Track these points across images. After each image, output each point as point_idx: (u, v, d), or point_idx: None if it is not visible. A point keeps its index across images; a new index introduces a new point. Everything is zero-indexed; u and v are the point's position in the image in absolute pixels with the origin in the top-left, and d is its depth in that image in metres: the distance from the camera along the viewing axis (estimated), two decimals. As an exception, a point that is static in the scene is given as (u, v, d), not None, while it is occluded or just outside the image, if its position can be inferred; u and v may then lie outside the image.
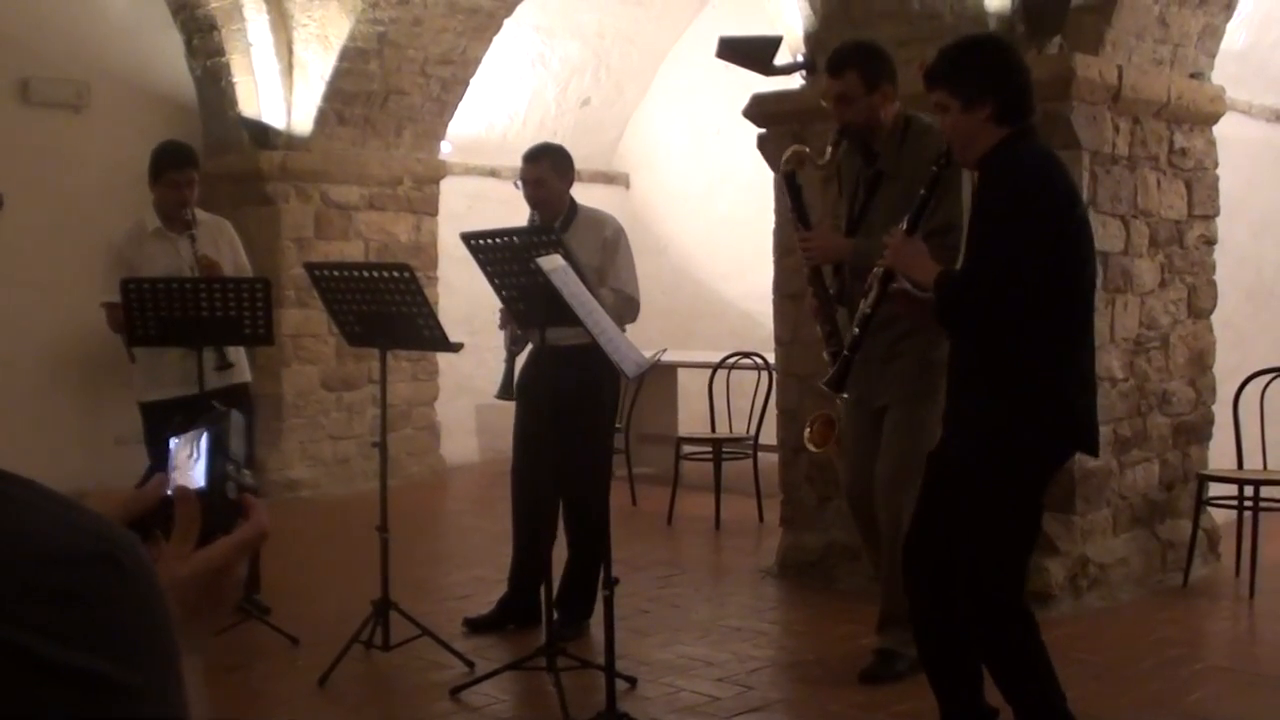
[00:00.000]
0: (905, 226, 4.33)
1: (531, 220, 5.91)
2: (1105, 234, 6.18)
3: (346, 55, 9.65)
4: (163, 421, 6.27)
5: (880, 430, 5.22)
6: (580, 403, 5.64)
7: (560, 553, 5.94)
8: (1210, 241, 7.05)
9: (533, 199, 5.91)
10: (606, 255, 5.84)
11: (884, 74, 5.13)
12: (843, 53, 5.23)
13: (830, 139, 5.18)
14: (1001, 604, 4.09)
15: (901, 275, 4.33)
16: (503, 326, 6.02)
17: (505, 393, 6.07)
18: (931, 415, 5.00)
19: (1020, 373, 4.00)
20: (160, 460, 6.01)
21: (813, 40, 6.80)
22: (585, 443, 5.73)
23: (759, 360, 8.76)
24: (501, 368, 6.16)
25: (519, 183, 5.97)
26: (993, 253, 3.97)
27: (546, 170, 5.91)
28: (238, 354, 6.29)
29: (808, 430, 5.47)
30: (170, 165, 6.25)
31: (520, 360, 6.14)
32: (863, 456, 5.29)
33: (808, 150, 5.21)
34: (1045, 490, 4.24)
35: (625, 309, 5.76)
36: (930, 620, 4.25)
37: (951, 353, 4.26)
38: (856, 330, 4.69)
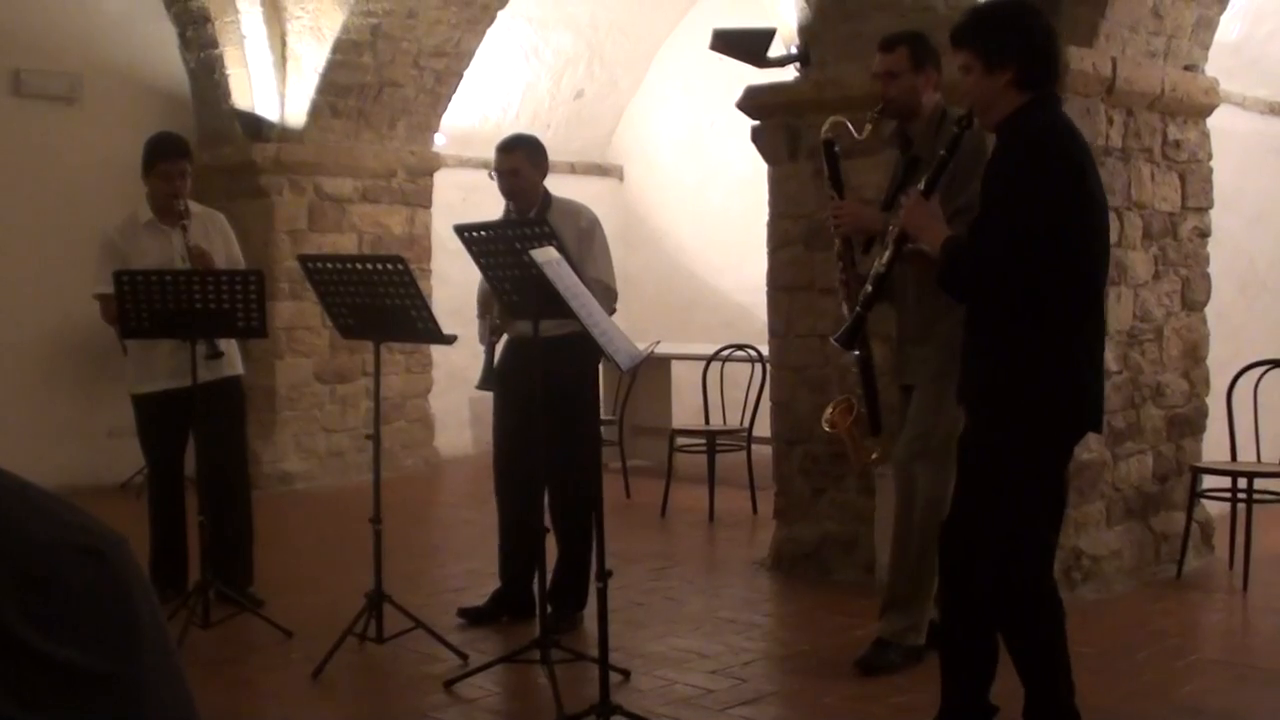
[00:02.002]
0: (922, 187, 4.33)
1: (507, 211, 5.91)
2: (1099, 226, 6.17)
3: (340, 47, 9.63)
4: (154, 414, 6.28)
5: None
6: (560, 393, 5.63)
7: (551, 544, 5.94)
8: (1204, 234, 7.05)
9: (508, 189, 5.91)
10: (583, 245, 5.83)
11: (930, 58, 5.25)
12: (896, 33, 5.39)
13: (869, 116, 5.21)
14: (1027, 582, 4.09)
15: (913, 238, 4.33)
16: (481, 315, 6.00)
17: (486, 383, 6.06)
18: (953, 393, 5.05)
19: (1028, 347, 3.99)
20: (151, 453, 5.91)
21: (806, 32, 6.79)
22: (569, 434, 5.71)
23: (753, 352, 8.76)
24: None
25: (493, 173, 5.97)
26: (1000, 223, 3.95)
27: (521, 160, 5.91)
28: (229, 346, 6.27)
29: (829, 410, 5.49)
30: (162, 156, 6.23)
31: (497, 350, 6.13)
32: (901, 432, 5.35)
33: (847, 122, 5.23)
34: (1065, 467, 4.21)
35: (603, 298, 5.76)
36: (957, 606, 4.24)
37: (965, 331, 4.25)
38: (870, 289, 4.69)
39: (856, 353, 5.18)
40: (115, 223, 6.40)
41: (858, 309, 4.86)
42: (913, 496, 5.20)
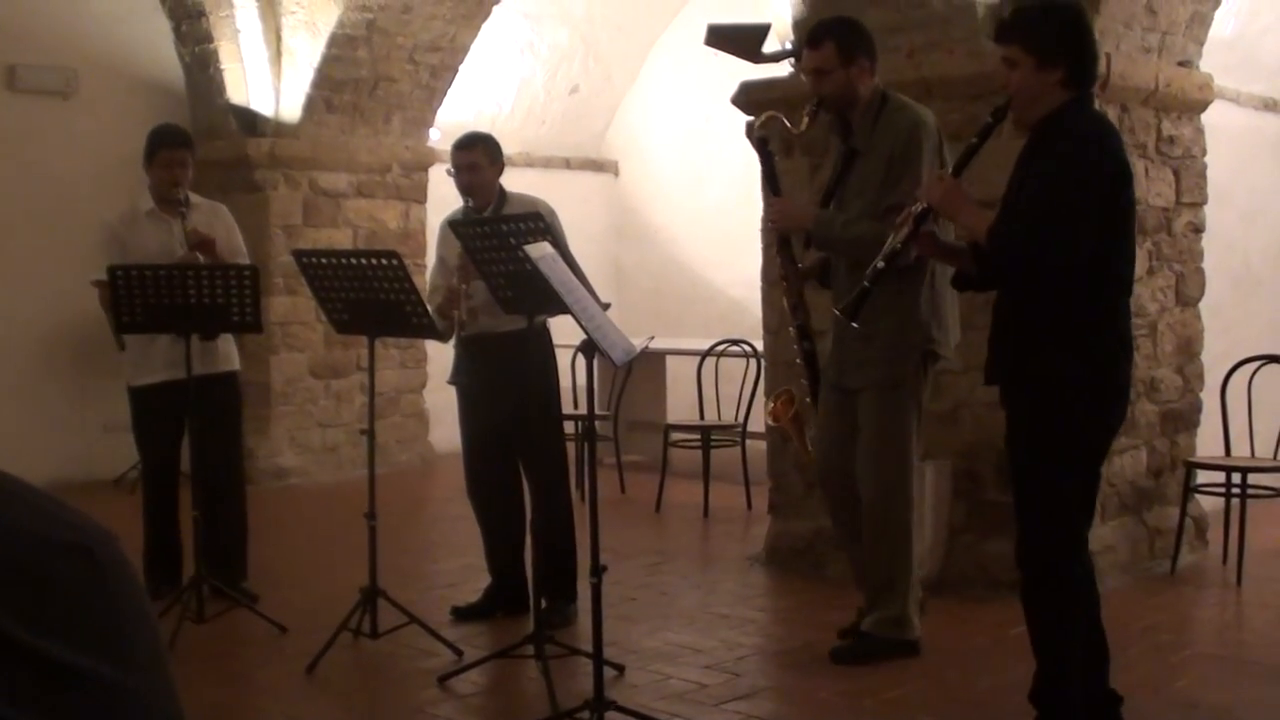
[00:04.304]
0: (951, 170, 4.36)
1: (466, 206, 5.93)
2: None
3: (335, 42, 9.62)
4: (150, 408, 6.28)
5: (850, 412, 5.23)
6: (521, 389, 5.63)
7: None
8: (1198, 229, 7.06)
9: (465, 185, 5.93)
10: None
11: (860, 47, 5.13)
12: (821, 25, 5.25)
13: (806, 109, 5.17)
14: (1054, 567, 4.18)
15: (945, 218, 4.36)
16: (442, 314, 5.89)
17: (458, 376, 6.10)
18: (906, 398, 5.08)
19: (1072, 335, 4.07)
20: (145, 449, 5.88)
21: (801, 27, 6.77)
22: (536, 430, 5.72)
23: (747, 348, 8.76)
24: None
25: (451, 170, 5.98)
26: (1051, 210, 3.99)
27: (480, 156, 5.96)
28: (225, 340, 6.29)
29: (771, 404, 5.51)
30: (163, 144, 6.30)
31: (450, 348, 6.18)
32: (833, 436, 5.31)
33: (781, 117, 5.19)
34: (1099, 459, 4.30)
35: None
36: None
37: (998, 317, 4.29)
38: (881, 264, 4.63)
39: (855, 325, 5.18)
40: (117, 212, 6.47)
41: (865, 284, 4.69)
42: (884, 494, 5.20)
